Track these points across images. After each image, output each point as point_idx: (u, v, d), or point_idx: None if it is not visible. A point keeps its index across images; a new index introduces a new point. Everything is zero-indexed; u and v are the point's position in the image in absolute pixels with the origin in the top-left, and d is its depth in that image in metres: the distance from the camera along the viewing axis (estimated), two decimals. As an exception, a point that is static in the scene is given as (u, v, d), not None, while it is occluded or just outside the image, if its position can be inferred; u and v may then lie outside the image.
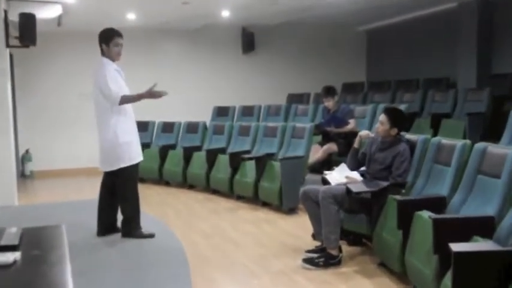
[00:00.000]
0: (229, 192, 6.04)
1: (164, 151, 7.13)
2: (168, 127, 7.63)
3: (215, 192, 6.35)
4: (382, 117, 3.74)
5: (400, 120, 3.73)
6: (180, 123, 7.58)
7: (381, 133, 3.73)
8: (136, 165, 4.17)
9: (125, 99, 4.05)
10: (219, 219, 5.12)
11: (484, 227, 2.63)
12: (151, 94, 4.07)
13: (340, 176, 3.79)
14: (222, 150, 6.45)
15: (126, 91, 4.12)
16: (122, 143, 4.06)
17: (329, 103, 5.81)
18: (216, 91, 9.09)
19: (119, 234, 4.22)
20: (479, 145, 3.09)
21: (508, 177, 2.73)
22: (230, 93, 9.10)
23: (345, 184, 3.60)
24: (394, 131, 3.70)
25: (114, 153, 4.06)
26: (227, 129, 6.82)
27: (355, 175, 3.80)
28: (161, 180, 7.15)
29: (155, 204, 5.82)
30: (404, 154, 3.61)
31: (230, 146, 6.58)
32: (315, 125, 5.66)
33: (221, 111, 8.02)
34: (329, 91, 5.86)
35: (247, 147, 6.21)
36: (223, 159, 6.19)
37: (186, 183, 6.83)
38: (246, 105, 8.00)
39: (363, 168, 3.93)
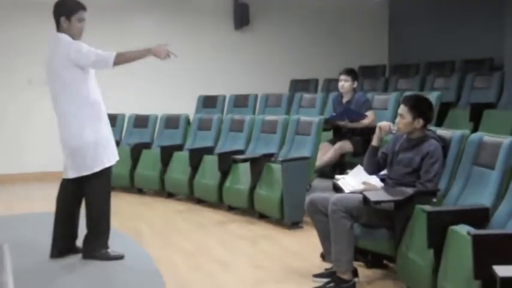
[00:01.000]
0: (218, 202, 6.06)
1: (136, 151, 7.12)
2: (141, 121, 7.63)
3: (200, 202, 6.36)
4: (401, 108, 3.74)
5: (424, 109, 3.70)
6: (156, 117, 7.57)
7: (403, 128, 3.72)
8: (110, 168, 4.18)
9: (122, 57, 4.01)
10: (205, 235, 5.13)
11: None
12: (158, 51, 4.03)
13: (355, 181, 3.77)
14: (209, 150, 6.46)
15: (94, 82, 4.09)
16: (94, 141, 4.06)
17: (347, 84, 5.78)
18: (201, 77, 9.08)
19: (79, 256, 4.20)
20: (531, 142, 3.04)
21: None
22: (219, 79, 9.10)
23: (361, 192, 3.56)
24: (419, 122, 3.67)
25: (85, 155, 4.05)
26: (215, 123, 6.83)
27: (375, 180, 3.77)
28: (132, 187, 7.15)
29: (125, 217, 5.80)
30: (435, 154, 3.58)
31: (219, 144, 6.58)
32: (325, 119, 5.65)
33: (208, 102, 8.03)
34: (351, 71, 5.89)
35: (240, 146, 6.22)
36: (210, 161, 6.19)
37: (164, 191, 6.83)
38: (239, 94, 8.02)
39: (383, 172, 3.90)
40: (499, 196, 3.16)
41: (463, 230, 2.86)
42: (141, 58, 4.06)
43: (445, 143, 3.67)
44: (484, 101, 6.38)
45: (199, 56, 9.17)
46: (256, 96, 7.83)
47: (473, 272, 2.59)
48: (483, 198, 3.24)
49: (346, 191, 3.73)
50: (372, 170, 3.90)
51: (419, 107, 3.69)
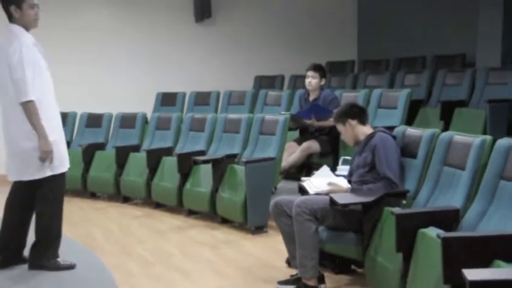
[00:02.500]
0: (178, 206, 6.03)
1: (89, 153, 7.03)
2: (94, 120, 7.53)
3: (159, 206, 6.33)
4: (338, 127, 3.98)
5: (350, 111, 3.89)
6: (111, 115, 7.49)
7: (349, 140, 3.95)
8: (64, 173, 4.12)
9: (31, 109, 3.85)
10: (164, 241, 5.10)
11: (510, 248, 2.65)
12: (45, 153, 3.89)
13: (321, 182, 3.80)
14: (168, 151, 6.43)
15: (47, 78, 4.01)
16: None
17: (314, 80, 5.82)
18: (159, 73, 9.04)
19: (26, 266, 4.12)
20: (503, 142, 3.12)
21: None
22: (179, 75, 9.06)
23: (327, 193, 3.60)
24: (351, 124, 3.86)
25: (31, 158, 3.94)
26: (175, 122, 6.79)
27: (342, 181, 3.81)
28: (85, 191, 7.06)
29: (77, 223, 5.74)
30: (383, 144, 3.68)
31: (179, 145, 6.55)
32: (291, 117, 5.66)
33: (167, 99, 8.00)
34: (318, 67, 5.93)
35: (201, 147, 6.21)
36: (169, 163, 6.16)
37: (119, 194, 6.77)
38: (200, 91, 8.01)
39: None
40: (470, 197, 3.23)
41: (432, 232, 2.91)
42: (37, 131, 3.89)
43: (414, 143, 3.74)
44: (456, 99, 6.52)
45: (158, 50, 9.10)
46: (218, 93, 7.83)
47: (442, 276, 2.64)
48: (453, 199, 3.31)
49: (311, 192, 3.76)
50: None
51: (344, 113, 3.89)
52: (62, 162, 4.08)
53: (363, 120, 3.87)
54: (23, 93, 3.85)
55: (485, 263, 2.58)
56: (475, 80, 6.71)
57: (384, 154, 3.65)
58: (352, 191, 3.71)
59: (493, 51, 7.32)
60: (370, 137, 3.80)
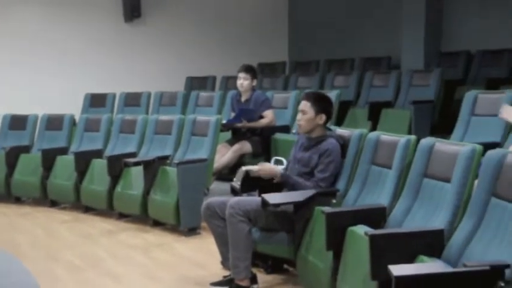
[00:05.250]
0: (108, 209, 5.94)
1: (13, 156, 6.78)
2: (18, 122, 7.28)
3: (88, 210, 6.21)
4: (302, 104, 3.85)
5: (326, 105, 3.86)
6: (36, 117, 7.25)
7: (305, 125, 3.82)
8: None
9: None
10: (94, 246, 5.02)
11: (432, 243, 2.77)
12: None
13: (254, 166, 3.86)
14: (98, 153, 6.32)
15: None
16: None
17: (246, 82, 5.85)
18: (88, 73, 8.87)
19: None
20: (426, 141, 3.24)
21: (460, 181, 2.90)
22: (108, 75, 8.93)
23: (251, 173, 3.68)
24: (322, 118, 3.80)
25: None
26: (104, 124, 6.67)
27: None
28: (9, 196, 6.82)
29: (0, 229, 5.55)
30: (333, 153, 3.73)
31: (109, 147, 6.45)
32: (222, 125, 5.71)
33: (96, 101, 7.87)
34: (249, 68, 5.96)
35: (132, 149, 6.14)
36: (98, 166, 6.06)
37: (46, 198, 6.58)
38: (130, 92, 7.92)
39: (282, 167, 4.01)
40: (396, 195, 3.34)
41: (360, 230, 2.99)
42: None
43: (345, 142, 3.82)
44: (382, 100, 6.74)
45: (86, 50, 8.92)
46: (149, 94, 7.76)
47: (370, 273, 2.72)
48: (381, 197, 3.41)
49: (240, 172, 3.79)
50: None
51: (321, 102, 3.83)
52: None
53: (327, 123, 3.89)
54: None
55: (410, 259, 2.68)
56: (400, 81, 6.95)
57: (328, 164, 3.70)
58: (283, 176, 3.75)
59: (417, 54, 7.61)
60: (322, 138, 3.80)
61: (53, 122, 7.09)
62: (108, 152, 6.27)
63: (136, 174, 5.60)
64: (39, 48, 8.62)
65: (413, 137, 3.42)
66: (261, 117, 5.87)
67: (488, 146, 2.97)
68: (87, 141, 6.66)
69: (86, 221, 5.91)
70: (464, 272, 2.35)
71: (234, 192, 3.95)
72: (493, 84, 6.07)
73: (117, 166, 5.74)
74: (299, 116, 3.84)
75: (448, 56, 7.47)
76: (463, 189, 2.89)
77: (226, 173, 5.81)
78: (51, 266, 4.43)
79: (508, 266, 2.35)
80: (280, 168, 3.87)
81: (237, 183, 3.90)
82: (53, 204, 6.53)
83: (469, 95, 4.62)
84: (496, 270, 2.34)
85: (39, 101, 8.17)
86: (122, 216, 5.84)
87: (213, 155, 5.49)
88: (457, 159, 2.94)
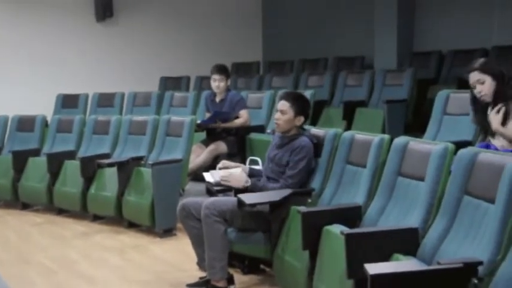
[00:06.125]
0: (82, 211, 5.88)
1: (-17, 158, 6.66)
2: (-12, 124, 7.14)
3: (62, 212, 6.14)
4: (281, 104, 3.84)
5: (305, 106, 3.88)
6: (6, 118, 7.13)
7: (283, 125, 3.82)
8: None
9: None
10: (67, 248, 4.98)
11: (407, 241, 2.81)
12: None
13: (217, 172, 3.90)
14: (71, 155, 6.25)
15: None
16: None
17: (222, 83, 5.84)
18: (60, 73, 8.77)
19: None
20: (399, 140, 3.28)
21: (433, 179, 2.94)
22: (81, 76, 8.84)
23: (221, 182, 3.71)
24: (300, 120, 3.82)
25: None
26: (77, 125, 6.60)
27: (238, 170, 3.90)
28: (-21, 199, 6.68)
29: (-29, 233, 5.47)
30: (303, 150, 3.74)
31: (82, 148, 6.39)
32: (197, 125, 5.71)
33: (68, 101, 7.80)
34: (223, 68, 5.95)
35: (105, 150, 6.09)
36: (72, 167, 6.00)
37: (17, 201, 6.49)
38: (103, 92, 7.86)
39: (258, 167, 4.03)
40: (371, 194, 3.37)
41: (336, 229, 3.01)
42: None
43: (319, 141, 3.84)
44: (356, 99, 6.79)
45: (58, 50, 8.81)
46: (122, 94, 7.71)
47: (346, 272, 2.74)
48: (356, 196, 3.44)
49: (207, 178, 3.84)
50: None
51: (301, 103, 3.84)
52: None
53: (304, 123, 3.89)
54: None
55: (386, 257, 2.71)
56: (373, 81, 7.01)
57: (298, 161, 3.71)
58: (252, 184, 3.77)
59: (389, 54, 7.70)
60: (294, 137, 3.81)
61: (24, 123, 6.99)
62: (81, 153, 6.21)
63: (110, 175, 5.56)
64: (9, 50, 8.49)
65: (387, 136, 3.46)
66: (236, 117, 5.87)
67: (460, 145, 3.02)
68: (60, 142, 6.58)
69: (59, 223, 5.84)
70: (438, 269, 2.38)
71: (210, 192, 3.95)
72: (464, 84, 6.10)
73: (91, 167, 5.69)
74: (277, 115, 3.84)
75: (421, 55, 7.55)
76: (436, 188, 2.93)
77: (202, 174, 5.79)
78: (23, 269, 4.37)
79: (481, 263, 2.39)
80: (244, 175, 3.87)
81: (211, 182, 3.90)
82: (25, 206, 6.44)
83: (441, 95, 4.68)
84: (470, 268, 2.37)
85: (10, 103, 8.02)
86: (96, 218, 5.79)
87: (188, 156, 5.47)
88: (430, 157, 2.98)
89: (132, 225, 5.45)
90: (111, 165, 5.48)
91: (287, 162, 3.76)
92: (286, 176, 3.73)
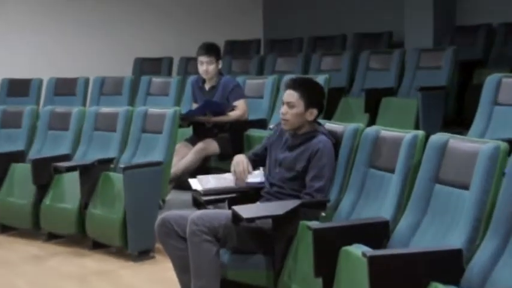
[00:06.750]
0: (34, 228, 5.86)
1: None
2: None
3: (7, 229, 6.11)
4: (288, 95, 3.82)
5: (319, 97, 3.86)
6: None
7: (292, 121, 3.81)
8: None
9: None
10: (14, 275, 4.97)
11: (448, 266, 2.78)
12: None
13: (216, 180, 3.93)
14: (18, 156, 6.26)
15: None
16: None
17: (211, 67, 5.84)
18: (7, 55, 8.81)
19: None
20: (437, 138, 3.26)
21: (481, 187, 2.91)
22: (34, 57, 8.89)
23: (215, 192, 3.73)
24: (312, 113, 3.80)
25: None
26: (28, 118, 6.59)
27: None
28: None
29: None
30: (326, 153, 3.73)
31: (34, 147, 6.40)
32: (181, 116, 5.68)
33: (16, 88, 7.84)
34: (212, 48, 5.95)
35: (64, 150, 6.10)
36: (20, 172, 6.02)
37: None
38: (62, 77, 7.90)
39: (257, 180, 4.01)
40: (401, 206, 3.35)
41: (357, 250, 2.98)
42: None
43: (336, 140, 3.83)
44: (382, 86, 6.79)
45: (8, 27, 8.89)
46: (87, 80, 7.74)
47: (371, 304, 2.73)
48: (382, 209, 3.42)
49: (195, 187, 3.83)
50: None
51: (313, 93, 3.83)
52: None
53: (317, 117, 3.87)
54: None
55: (421, 286, 2.69)
56: (404, 63, 7.00)
57: (322, 168, 3.69)
58: (262, 202, 3.79)
59: (424, 29, 7.68)
60: (310, 135, 3.79)
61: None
62: (32, 154, 6.19)
63: (71, 182, 5.55)
64: None
65: (421, 133, 3.45)
66: (232, 109, 5.85)
67: (515, 143, 3.01)
68: (5, 140, 6.55)
69: (3, 244, 5.82)
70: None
71: (197, 204, 3.94)
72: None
73: (45, 172, 5.69)
74: (284, 109, 3.82)
75: (464, 30, 7.55)
76: (485, 198, 2.91)
77: (187, 180, 5.77)
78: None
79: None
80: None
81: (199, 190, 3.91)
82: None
83: (490, 80, 4.67)
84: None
85: None
86: (52, 236, 5.77)
87: (169, 157, 5.47)
88: (477, 159, 2.96)
89: (97, 246, 5.43)
90: (71, 169, 5.47)
91: (303, 169, 3.74)
92: (312, 191, 3.69)
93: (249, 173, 3.95)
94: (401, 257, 2.85)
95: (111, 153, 5.74)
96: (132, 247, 5.11)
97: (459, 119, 5.83)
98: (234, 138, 5.83)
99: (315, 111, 3.80)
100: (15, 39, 8.88)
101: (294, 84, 3.85)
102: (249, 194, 3.96)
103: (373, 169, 3.61)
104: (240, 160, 4.01)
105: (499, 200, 2.83)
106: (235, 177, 3.97)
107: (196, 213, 3.65)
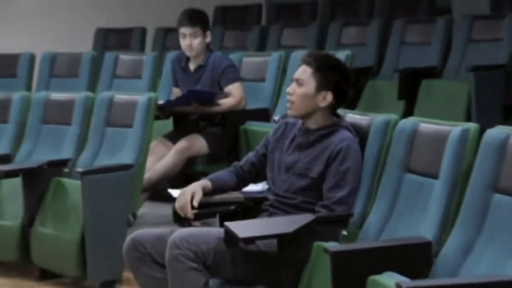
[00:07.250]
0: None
1: None
2: None
3: None
4: (300, 71, 3.84)
5: (338, 77, 3.84)
6: None
7: (297, 103, 3.82)
8: None
9: None
10: None
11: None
12: None
13: None
14: None
15: None
16: None
17: (196, 41, 5.86)
18: None
19: None
20: (495, 132, 3.26)
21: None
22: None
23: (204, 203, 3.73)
24: (326, 97, 3.80)
25: None
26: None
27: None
28: None
29: None
30: (350, 155, 3.73)
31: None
32: (158, 105, 5.71)
33: None
34: (197, 16, 6.00)
35: (3, 149, 6.15)
36: None
37: None
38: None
39: (256, 188, 4.04)
40: (447, 222, 3.35)
41: (390, 281, 2.97)
42: None
43: (361, 136, 3.84)
44: (422, 65, 6.79)
45: None
46: (32, 57, 7.78)
47: None
48: (422, 226, 3.42)
49: (175, 195, 3.88)
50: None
51: (330, 72, 3.82)
52: None
53: (336, 107, 3.87)
54: None
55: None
56: (451, 35, 7.00)
57: (345, 174, 3.69)
58: (264, 218, 3.79)
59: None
60: (328, 132, 3.80)
61: None
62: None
63: (11, 191, 5.60)
64: None
65: (473, 126, 3.44)
66: (223, 96, 5.87)
67: None
68: None
69: None
70: None
71: (180, 219, 3.93)
72: None
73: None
74: (291, 87, 3.83)
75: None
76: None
77: (166, 188, 5.79)
78: None
79: None
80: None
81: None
82: None
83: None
84: None
85: None
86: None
87: (142, 159, 5.50)
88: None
89: (47, 276, 5.44)
90: (12, 174, 5.49)
91: (320, 175, 3.74)
92: (331, 203, 3.69)
93: (193, 208, 3.84)
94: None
95: (65, 154, 5.77)
96: (93, 276, 5.13)
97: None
98: (226, 134, 5.84)
99: (329, 96, 3.79)
100: None
101: (309, 59, 3.86)
102: (247, 207, 3.96)
103: (410, 174, 3.61)
104: (186, 190, 3.92)
105: None
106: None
107: (178, 233, 3.62)
